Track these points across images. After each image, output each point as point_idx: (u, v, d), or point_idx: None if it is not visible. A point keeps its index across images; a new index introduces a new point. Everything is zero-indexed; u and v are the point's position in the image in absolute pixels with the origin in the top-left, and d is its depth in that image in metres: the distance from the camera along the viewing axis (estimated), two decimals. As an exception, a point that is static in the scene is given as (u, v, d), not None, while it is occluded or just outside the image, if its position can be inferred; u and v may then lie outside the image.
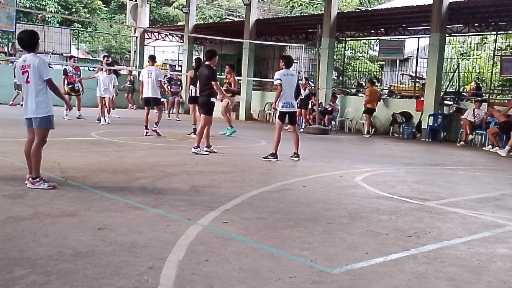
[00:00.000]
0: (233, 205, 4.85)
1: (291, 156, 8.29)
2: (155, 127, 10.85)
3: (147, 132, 10.85)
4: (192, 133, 11.22)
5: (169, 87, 17.84)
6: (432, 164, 9.17)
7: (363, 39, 22.98)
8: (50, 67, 23.41)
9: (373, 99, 14.86)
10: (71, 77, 14.25)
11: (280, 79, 7.90)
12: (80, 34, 28.53)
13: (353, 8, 31.24)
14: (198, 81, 8.97)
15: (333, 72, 19.18)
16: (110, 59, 15.12)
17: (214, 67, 8.58)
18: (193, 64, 12.10)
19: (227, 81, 12.49)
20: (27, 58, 5.15)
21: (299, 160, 8.22)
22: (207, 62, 8.55)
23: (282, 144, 8.36)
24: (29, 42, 5.20)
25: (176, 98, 18.41)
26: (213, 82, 8.28)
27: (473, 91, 16.91)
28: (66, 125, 12.40)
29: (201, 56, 28.14)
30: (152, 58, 11.68)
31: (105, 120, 13.06)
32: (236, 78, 12.85)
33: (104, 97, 13.19)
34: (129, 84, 20.43)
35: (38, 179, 5.11)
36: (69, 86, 14.16)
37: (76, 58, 16.24)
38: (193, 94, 11.26)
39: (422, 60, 17.41)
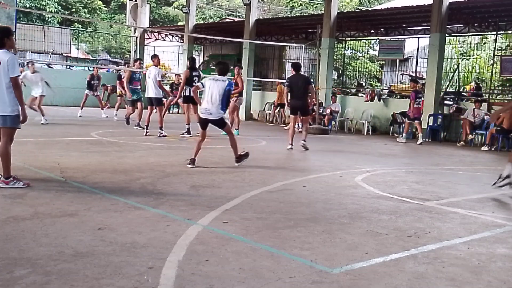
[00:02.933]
0: (233, 205, 4.84)
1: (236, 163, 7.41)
2: (161, 132, 10.81)
3: (146, 132, 10.84)
4: (185, 133, 11.21)
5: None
6: (432, 164, 9.17)
7: (363, 39, 22.98)
8: (50, 67, 23.50)
9: (282, 95, 16.70)
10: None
11: (202, 83, 7.45)
12: (80, 34, 28.53)
13: (353, 8, 31.24)
14: (293, 89, 9.94)
15: (333, 72, 19.18)
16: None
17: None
18: (187, 64, 12.02)
19: (234, 81, 12.47)
20: None
21: (239, 163, 7.38)
22: (294, 73, 10.08)
23: (282, 144, 8.36)
24: (0, 38, 5.08)
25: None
26: (310, 86, 10.05)
27: (473, 91, 16.91)
28: (66, 125, 12.40)
29: (201, 57, 28.22)
30: (151, 57, 11.68)
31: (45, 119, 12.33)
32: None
33: (36, 97, 12.67)
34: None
35: (11, 179, 5.09)
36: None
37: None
38: (187, 94, 11.27)
39: (422, 60, 17.41)
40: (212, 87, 7.27)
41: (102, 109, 15.89)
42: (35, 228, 3.76)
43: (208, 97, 7.23)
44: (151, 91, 10.89)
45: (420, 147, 12.25)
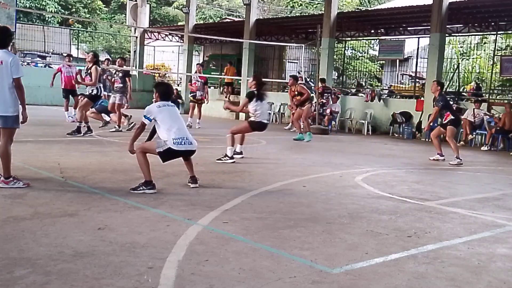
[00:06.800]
0: (233, 205, 4.84)
1: (188, 182, 5.68)
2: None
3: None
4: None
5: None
6: (432, 164, 9.17)
7: (363, 39, 22.99)
8: (50, 67, 23.51)
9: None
10: (194, 84, 13.86)
11: (154, 118, 5.41)
12: (80, 34, 28.52)
13: (353, 8, 31.23)
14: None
15: (333, 72, 19.18)
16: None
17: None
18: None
19: (294, 93, 12.49)
20: None
21: (195, 186, 5.62)
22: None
23: (282, 144, 8.35)
24: (3, 38, 5.08)
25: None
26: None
27: (473, 91, 16.92)
28: (66, 125, 12.39)
29: (201, 57, 28.20)
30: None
31: None
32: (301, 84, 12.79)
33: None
34: None
35: (11, 179, 5.09)
36: (191, 95, 13.89)
37: (200, 67, 15.11)
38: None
39: (422, 60, 17.41)
40: (170, 113, 5.52)
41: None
42: (35, 228, 3.76)
43: (178, 124, 5.47)
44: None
45: (422, 147, 12.25)
